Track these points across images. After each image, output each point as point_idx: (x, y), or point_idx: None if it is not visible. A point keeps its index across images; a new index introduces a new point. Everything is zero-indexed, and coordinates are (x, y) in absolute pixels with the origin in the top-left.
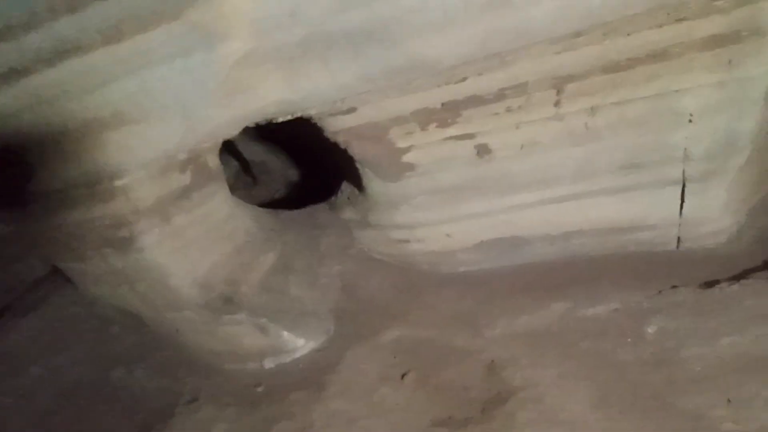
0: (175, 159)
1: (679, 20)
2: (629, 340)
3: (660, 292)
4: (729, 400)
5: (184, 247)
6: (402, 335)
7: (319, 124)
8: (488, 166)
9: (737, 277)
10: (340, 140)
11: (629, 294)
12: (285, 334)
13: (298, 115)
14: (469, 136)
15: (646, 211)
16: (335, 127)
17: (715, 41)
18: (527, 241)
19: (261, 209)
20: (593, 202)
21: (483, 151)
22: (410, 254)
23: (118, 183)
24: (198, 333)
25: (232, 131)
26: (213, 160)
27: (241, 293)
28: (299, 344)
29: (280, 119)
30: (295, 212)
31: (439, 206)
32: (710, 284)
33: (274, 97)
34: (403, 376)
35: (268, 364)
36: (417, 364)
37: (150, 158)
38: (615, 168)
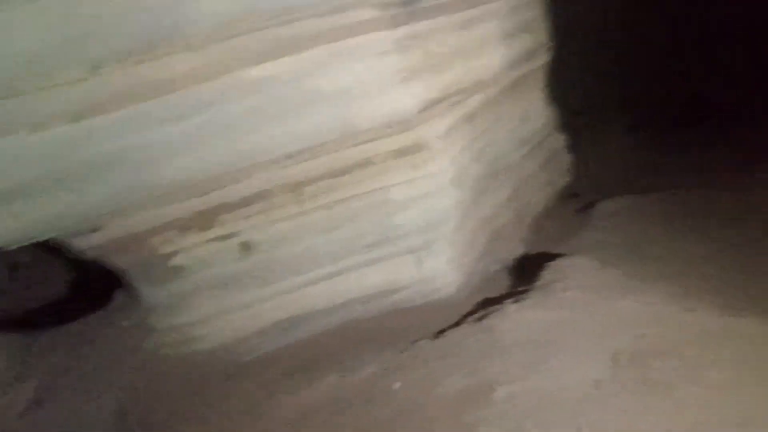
0: None
1: (371, 141)
2: (382, 399)
3: (405, 348)
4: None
5: None
6: None
7: (63, 245)
8: (254, 259)
9: (458, 323)
10: (91, 256)
11: (384, 354)
12: None
13: (27, 243)
14: (230, 236)
15: (395, 277)
16: (83, 246)
17: (402, 152)
18: (306, 317)
19: (14, 334)
20: (353, 275)
21: (245, 247)
22: (196, 353)
23: None
24: None
25: None
26: None
27: None
28: None
29: (10, 248)
30: (63, 328)
31: (215, 302)
32: (439, 333)
33: None
34: None
35: None
36: None
37: None
38: (361, 247)
